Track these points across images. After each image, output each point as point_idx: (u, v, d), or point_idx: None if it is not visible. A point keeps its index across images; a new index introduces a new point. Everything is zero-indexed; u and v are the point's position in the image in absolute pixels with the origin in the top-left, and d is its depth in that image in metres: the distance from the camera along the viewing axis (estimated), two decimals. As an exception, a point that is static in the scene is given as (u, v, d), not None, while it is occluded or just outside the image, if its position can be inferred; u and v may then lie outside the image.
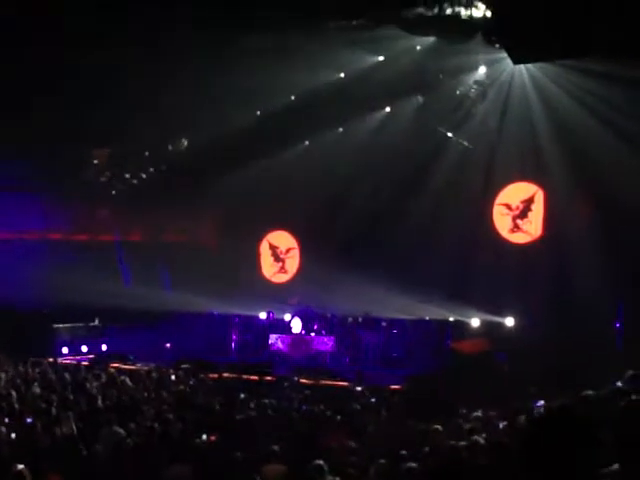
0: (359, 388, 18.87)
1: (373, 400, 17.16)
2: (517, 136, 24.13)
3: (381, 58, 24.73)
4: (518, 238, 25.67)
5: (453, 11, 20.72)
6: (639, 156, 21.03)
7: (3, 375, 19.87)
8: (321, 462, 7.61)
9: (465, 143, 25.81)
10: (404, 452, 9.58)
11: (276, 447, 11.04)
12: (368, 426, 13.46)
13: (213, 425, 13.26)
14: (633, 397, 5.37)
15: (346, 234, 26.97)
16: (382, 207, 26.31)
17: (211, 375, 21.74)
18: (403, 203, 25.82)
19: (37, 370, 21.28)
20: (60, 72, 22.98)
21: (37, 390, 16.99)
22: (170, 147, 30.15)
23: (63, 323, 29.61)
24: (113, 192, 30.68)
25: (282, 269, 31.53)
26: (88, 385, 18.22)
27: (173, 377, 20.53)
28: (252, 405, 15.62)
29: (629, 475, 3.66)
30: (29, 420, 13.58)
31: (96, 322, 30.39)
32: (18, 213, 29.42)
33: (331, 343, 26.78)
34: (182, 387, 18.59)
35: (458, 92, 24.98)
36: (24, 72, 22.82)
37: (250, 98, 25.85)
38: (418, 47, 23.63)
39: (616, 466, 3.69)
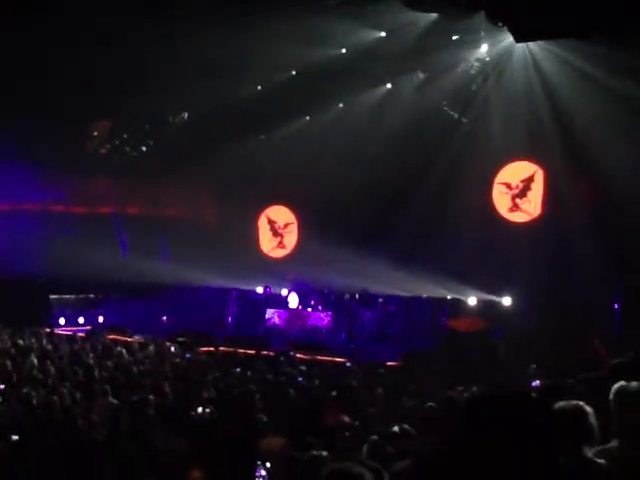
0: (348, 364, 18.92)
1: (368, 377, 17.19)
2: (518, 115, 24.08)
3: (383, 34, 24.63)
4: (517, 217, 25.67)
5: (456, -12, 20.67)
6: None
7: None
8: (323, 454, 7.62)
9: (465, 120, 25.76)
10: (396, 429, 9.58)
11: (272, 421, 11.08)
12: (363, 402, 13.49)
13: (209, 398, 13.29)
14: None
15: (345, 210, 26.96)
16: (381, 183, 26.27)
17: (207, 348, 21.80)
18: (403, 179, 25.79)
19: (34, 340, 21.32)
20: (61, 42, 22.90)
21: (34, 360, 17.01)
22: (170, 120, 30.08)
23: (60, 294, 29.65)
24: (113, 164, 30.59)
25: (280, 244, 31.54)
26: (84, 356, 18.26)
27: (169, 350, 20.56)
28: (248, 379, 15.66)
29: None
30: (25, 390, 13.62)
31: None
32: (17, 184, 29.37)
33: (327, 319, 26.82)
34: (178, 360, 18.62)
35: (459, 69, 24.90)
36: (24, 42, 22.77)
37: (251, 72, 25.79)
38: (420, 23, 23.54)
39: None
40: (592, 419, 5.02)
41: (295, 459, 7.94)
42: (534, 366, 16.36)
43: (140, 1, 21.42)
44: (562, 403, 5.10)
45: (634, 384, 5.13)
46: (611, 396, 5.23)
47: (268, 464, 7.81)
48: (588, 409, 5.08)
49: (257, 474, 7.78)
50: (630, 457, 4.01)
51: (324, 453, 7.42)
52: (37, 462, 9.60)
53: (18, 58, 23.32)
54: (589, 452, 4.71)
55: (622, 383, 5.27)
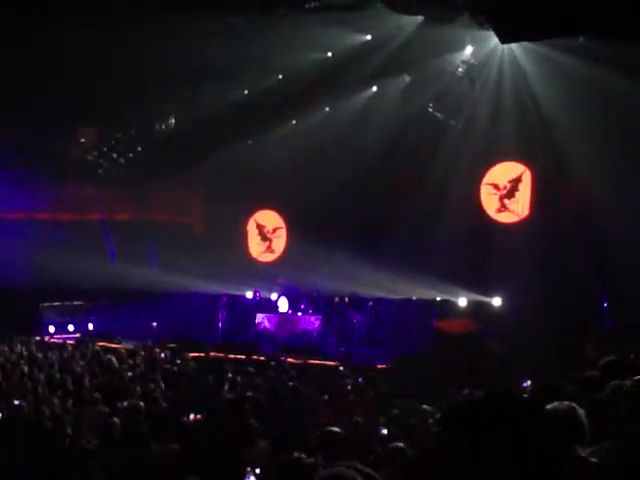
0: (342, 368, 18.93)
1: (359, 380, 17.19)
2: (505, 115, 24.10)
3: (368, 37, 24.67)
4: (505, 218, 25.70)
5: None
6: (627, 140, 21.11)
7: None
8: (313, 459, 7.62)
9: (452, 122, 25.77)
10: (385, 432, 9.60)
11: (263, 426, 11.06)
12: (354, 406, 13.50)
13: (200, 404, 13.28)
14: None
15: (333, 214, 26.96)
16: (368, 187, 26.27)
17: (197, 354, 21.78)
18: (390, 182, 25.81)
19: (23, 349, 21.27)
20: (47, 49, 22.88)
21: (24, 369, 16.97)
22: (157, 126, 30.05)
23: (50, 302, 29.59)
24: (100, 171, 30.52)
25: (269, 248, 31.51)
26: (74, 364, 18.22)
27: (160, 356, 20.54)
28: (239, 384, 15.65)
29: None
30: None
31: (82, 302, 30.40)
32: (3, 192, 29.29)
33: (318, 322, 26.80)
34: (169, 366, 18.59)
35: (445, 72, 24.91)
36: (10, 48, 22.75)
37: (238, 77, 25.79)
38: (405, 26, 23.56)
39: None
40: (584, 419, 5.02)
41: (285, 465, 7.94)
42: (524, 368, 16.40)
43: (129, 6, 21.37)
44: (554, 404, 5.11)
45: (628, 383, 5.13)
46: (604, 395, 5.23)
47: (257, 470, 7.80)
48: (580, 409, 5.08)
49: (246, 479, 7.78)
50: (624, 457, 3.99)
51: (313, 459, 7.41)
52: (27, 472, 9.56)
53: (3, 63, 23.29)
54: (582, 452, 4.70)
55: (616, 382, 5.26)
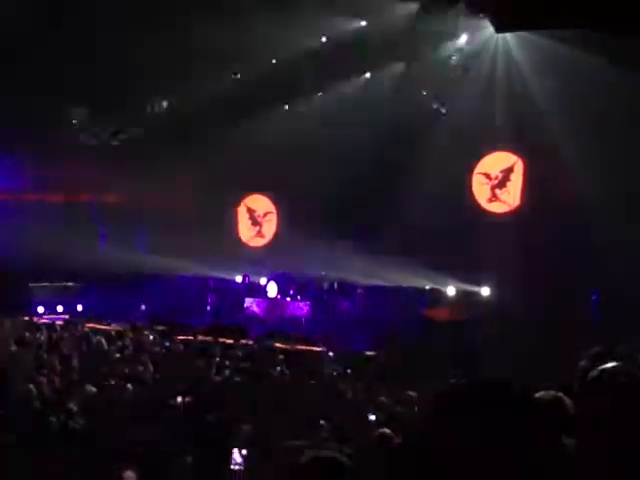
0: (331, 353, 18.95)
1: (346, 367, 17.23)
2: (498, 105, 24.12)
3: (363, 23, 24.65)
4: (496, 207, 25.74)
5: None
6: (621, 130, 21.16)
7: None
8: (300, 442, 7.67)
9: (445, 110, 25.75)
10: (373, 417, 9.63)
11: (250, 409, 11.10)
12: (341, 392, 13.53)
13: (187, 387, 13.29)
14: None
15: (324, 199, 26.89)
16: (361, 173, 26.20)
17: (186, 337, 21.78)
18: (383, 169, 25.75)
19: (12, 329, 21.25)
20: (41, 28, 22.84)
21: (12, 348, 16.96)
22: (149, 109, 29.98)
23: (39, 282, 29.56)
24: (91, 152, 30.41)
25: (259, 233, 31.47)
26: (63, 345, 18.22)
27: (148, 338, 20.54)
28: (226, 368, 15.67)
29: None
30: None
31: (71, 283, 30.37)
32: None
33: (306, 308, 26.83)
34: (157, 349, 18.60)
35: (439, 60, 24.91)
36: (4, 25, 22.70)
37: (231, 61, 25.75)
38: (400, 13, 23.55)
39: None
40: (571, 408, 5.04)
41: (272, 448, 7.97)
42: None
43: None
44: (541, 392, 5.12)
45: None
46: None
47: (244, 451, 7.83)
48: (566, 399, 5.09)
49: (233, 461, 7.80)
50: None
51: (300, 442, 7.44)
52: (16, 452, 9.58)
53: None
54: (568, 442, 4.71)
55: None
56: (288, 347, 20.79)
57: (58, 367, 15.09)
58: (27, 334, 19.74)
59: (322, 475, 3.92)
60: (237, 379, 14.09)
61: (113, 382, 13.35)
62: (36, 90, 25.29)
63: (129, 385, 12.87)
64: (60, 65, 24.41)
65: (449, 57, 24.63)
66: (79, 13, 22.04)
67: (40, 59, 24.10)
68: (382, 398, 12.17)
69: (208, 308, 28.90)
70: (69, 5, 21.68)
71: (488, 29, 21.89)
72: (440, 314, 24.13)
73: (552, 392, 5.17)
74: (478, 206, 25.83)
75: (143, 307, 28.81)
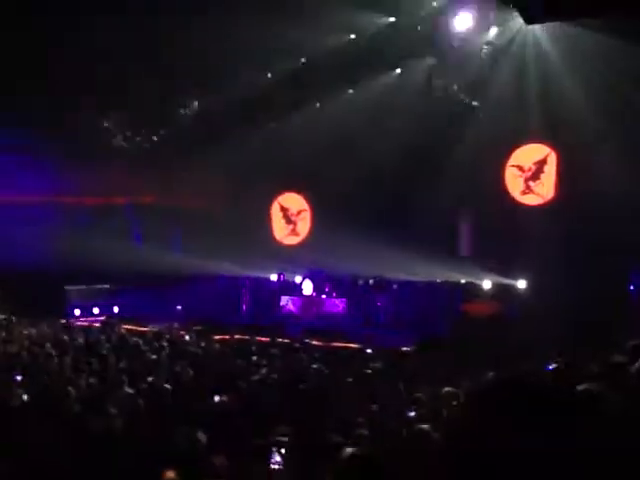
0: (369, 350, 18.90)
1: (383, 363, 17.17)
2: (529, 97, 23.99)
3: (392, 19, 24.60)
4: (530, 200, 25.60)
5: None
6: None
7: (17, 334, 20.07)
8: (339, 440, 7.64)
9: (477, 104, 25.66)
10: (413, 414, 9.59)
11: (288, 408, 11.09)
12: (378, 389, 13.49)
13: (225, 387, 13.31)
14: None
15: (357, 196, 26.89)
16: (394, 169, 26.15)
17: (222, 336, 21.83)
18: (415, 164, 25.69)
19: (49, 331, 21.41)
20: (77, 34, 22.99)
21: (51, 351, 17.05)
22: (182, 110, 30.10)
23: (75, 285, 29.74)
24: (126, 155, 30.59)
25: (293, 231, 31.51)
26: (100, 347, 18.31)
27: (185, 338, 20.61)
28: (264, 366, 15.68)
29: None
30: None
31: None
32: (30, 176, 29.46)
33: (342, 305, 26.85)
34: (194, 349, 18.64)
35: (470, 53, 24.81)
36: (39, 34, 22.88)
37: (261, 60, 25.80)
38: (430, 6, 23.50)
39: None
40: (614, 401, 4.96)
41: (310, 446, 7.95)
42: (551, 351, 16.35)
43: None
44: (582, 386, 5.06)
45: None
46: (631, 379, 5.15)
47: (283, 450, 7.82)
48: (609, 392, 5.02)
49: (272, 460, 7.79)
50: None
51: (340, 439, 7.42)
52: (54, 453, 9.62)
53: (33, 45, 23.40)
54: (610, 436, 4.64)
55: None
56: (325, 345, 20.80)
57: (96, 369, 15.16)
58: (64, 337, 19.89)
59: (361, 472, 3.91)
60: (274, 377, 14.08)
61: (151, 383, 13.38)
62: (70, 93, 25.47)
63: (167, 386, 12.90)
64: (94, 68, 24.56)
65: (480, 50, 24.49)
66: (109, 15, 22.12)
67: (73, 63, 24.26)
68: (420, 394, 12.13)
69: (244, 307, 28.99)
70: (101, 6, 21.76)
71: (518, 21, 21.76)
72: (476, 308, 24.04)
73: (594, 385, 5.11)
74: (512, 199, 25.69)
75: (179, 307, 28.92)
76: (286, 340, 21.30)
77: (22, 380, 13.99)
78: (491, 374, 12.77)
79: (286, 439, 8.24)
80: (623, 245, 21.13)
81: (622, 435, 4.15)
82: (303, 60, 26.34)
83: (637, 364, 5.31)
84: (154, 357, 16.94)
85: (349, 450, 4.18)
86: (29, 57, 23.84)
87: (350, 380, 14.29)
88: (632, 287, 22.56)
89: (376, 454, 3.94)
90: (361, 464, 3.96)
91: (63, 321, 24.23)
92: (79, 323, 25.29)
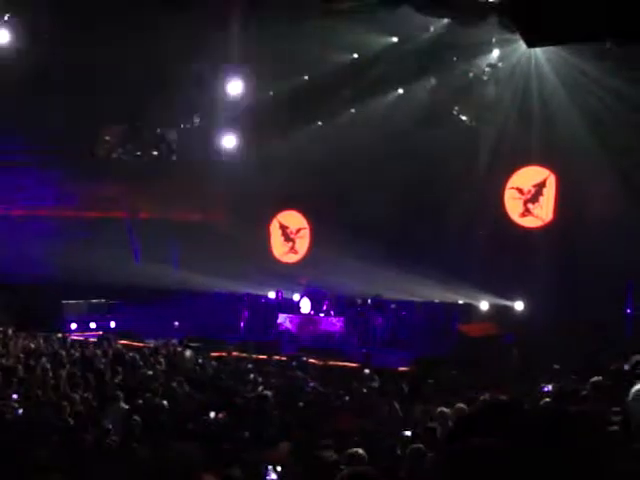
0: (367, 370, 18.88)
1: (380, 382, 17.17)
2: (530, 120, 24.05)
3: (394, 39, 24.68)
4: (529, 222, 25.62)
5: (468, -8, 20.65)
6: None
7: (12, 348, 20.04)
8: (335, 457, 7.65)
9: (477, 125, 25.72)
10: (409, 433, 9.60)
11: (284, 426, 11.08)
12: (375, 408, 13.49)
13: (221, 403, 13.30)
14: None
15: (356, 215, 26.90)
16: (393, 188, 26.17)
17: (219, 353, 21.81)
18: (414, 185, 25.71)
19: (46, 345, 21.37)
20: (75, 48, 23.06)
21: (46, 365, 17.03)
22: (182, 125, 30.15)
23: (72, 299, 29.70)
24: (125, 169, 30.61)
25: (292, 249, 31.50)
26: (96, 361, 18.29)
27: (182, 355, 20.57)
28: (260, 384, 15.67)
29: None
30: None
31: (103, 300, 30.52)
32: (30, 190, 29.50)
33: (340, 324, 26.79)
34: (190, 365, 18.63)
35: (471, 74, 24.88)
36: (40, 47, 22.98)
37: (263, 78, 25.87)
38: (432, 28, 23.57)
39: None
40: (610, 422, 4.96)
41: (306, 462, 7.95)
42: (557, 366, 16.38)
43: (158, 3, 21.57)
44: (576, 408, 5.06)
45: None
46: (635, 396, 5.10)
47: (279, 468, 7.81)
48: (606, 412, 5.02)
49: (267, 477, 7.78)
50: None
51: (335, 456, 7.41)
52: (48, 468, 9.60)
53: (31, 60, 23.47)
54: (609, 455, 4.63)
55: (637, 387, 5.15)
56: (322, 363, 20.78)
57: (92, 384, 15.14)
58: (61, 351, 19.86)
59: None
60: (270, 395, 14.07)
61: (147, 399, 13.37)
62: (70, 107, 25.52)
63: (164, 402, 12.89)
64: (94, 82, 24.62)
65: (482, 72, 24.56)
66: (112, 28, 22.20)
67: (75, 77, 24.32)
68: (416, 414, 12.13)
69: (241, 324, 28.93)
70: (102, 20, 21.85)
71: (520, 44, 21.82)
72: (473, 329, 24.03)
73: (588, 406, 5.12)
74: (511, 221, 25.71)
75: (176, 324, 28.88)
76: (283, 358, 21.31)
77: (17, 394, 13.97)
78: (486, 395, 12.80)
79: (282, 457, 8.24)
80: (620, 268, 21.16)
81: (612, 457, 4.15)
82: (306, 77, 26.39)
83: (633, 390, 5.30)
84: (150, 373, 16.93)
85: (346, 470, 4.18)
86: (29, 68, 23.90)
87: (347, 398, 14.29)
88: (629, 310, 22.57)
89: (372, 472, 3.93)
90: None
91: (59, 335, 24.18)
92: (75, 337, 25.23)
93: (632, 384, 5.48)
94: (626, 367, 8.40)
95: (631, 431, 4.92)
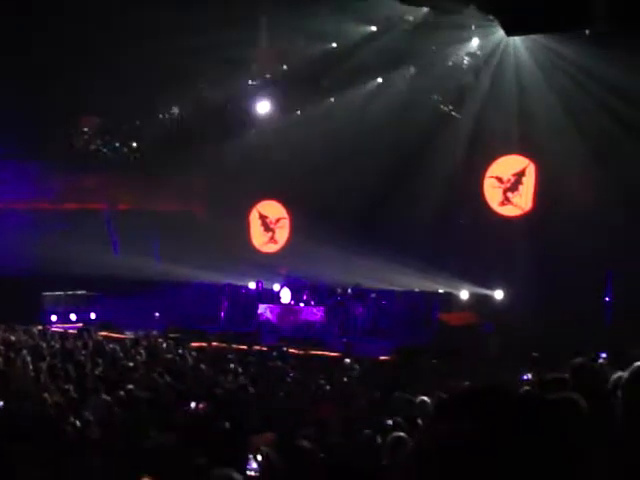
0: (348, 360, 18.90)
1: (361, 371, 17.19)
2: (509, 108, 24.09)
3: (373, 28, 24.67)
4: (508, 211, 25.67)
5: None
6: (632, 133, 21.11)
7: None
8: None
9: (457, 114, 25.76)
10: (390, 422, 9.60)
11: (264, 417, 11.09)
12: (356, 397, 13.51)
13: (201, 394, 13.28)
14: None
15: (336, 205, 26.90)
16: (372, 178, 26.17)
17: (200, 344, 21.78)
18: (393, 174, 25.71)
19: (26, 337, 21.29)
20: (49, 39, 22.94)
21: (27, 358, 16.96)
22: (161, 115, 30.06)
23: (52, 291, 29.60)
24: (103, 161, 30.52)
25: (272, 239, 31.47)
26: (76, 353, 18.24)
27: (162, 346, 20.53)
28: (240, 374, 15.66)
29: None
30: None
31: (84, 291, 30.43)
32: (7, 182, 29.34)
33: (320, 313, 26.78)
34: (171, 356, 18.59)
35: (451, 63, 24.92)
36: (12, 38, 22.83)
37: (242, 68, 25.82)
38: (411, 17, 23.57)
39: None
40: (586, 411, 4.95)
41: (287, 451, 7.96)
42: (536, 355, 16.44)
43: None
44: (555, 395, 5.05)
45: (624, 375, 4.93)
46: (620, 382, 5.06)
47: (260, 457, 7.81)
48: (582, 401, 5.01)
49: (249, 467, 7.78)
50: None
51: (314, 446, 7.42)
52: (29, 460, 9.58)
53: (5, 51, 23.34)
54: (585, 444, 4.60)
55: (617, 375, 5.10)
56: (302, 353, 20.79)
57: (72, 376, 15.10)
58: (41, 343, 19.80)
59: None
60: (251, 385, 14.06)
61: (128, 390, 13.34)
62: (48, 99, 25.40)
63: (144, 393, 12.87)
64: (73, 74, 24.50)
65: (461, 61, 24.61)
66: (90, 22, 22.12)
67: (53, 68, 24.21)
68: (397, 403, 12.15)
69: (222, 315, 28.90)
70: (81, 14, 21.77)
71: (499, 32, 21.86)
72: (453, 318, 24.09)
73: (567, 394, 5.11)
74: (490, 210, 25.75)
75: (157, 314, 28.83)
76: (264, 348, 21.30)
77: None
78: (466, 384, 12.84)
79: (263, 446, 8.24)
80: (600, 257, 21.24)
81: (591, 441, 4.16)
82: (284, 67, 26.35)
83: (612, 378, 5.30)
84: (131, 364, 16.90)
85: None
86: (3, 60, 23.78)
87: (327, 388, 14.30)
88: (607, 299, 22.67)
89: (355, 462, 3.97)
90: (340, 470, 3.99)
91: (39, 327, 24.10)
92: (55, 329, 25.16)
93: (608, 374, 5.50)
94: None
95: (612, 419, 4.93)
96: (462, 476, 2.45)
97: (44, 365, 15.99)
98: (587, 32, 19.71)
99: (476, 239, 24.11)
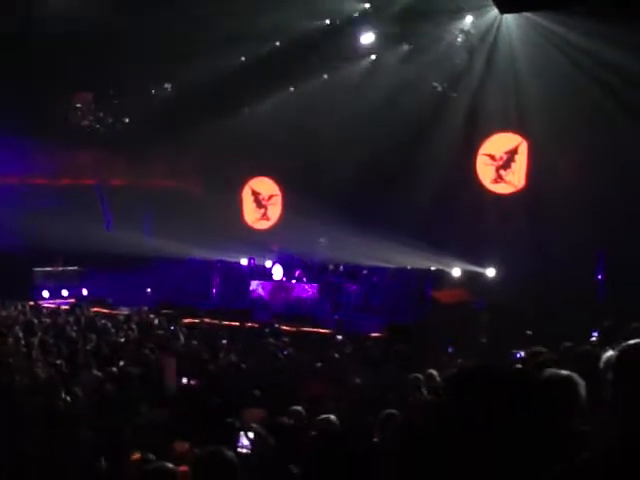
0: (340, 336, 18.91)
1: (353, 348, 17.20)
2: (502, 86, 24.05)
3: (367, 5, 24.57)
4: (501, 189, 25.64)
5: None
6: (627, 110, 21.09)
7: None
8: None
9: (450, 92, 25.69)
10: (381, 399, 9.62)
11: (256, 392, 11.09)
12: (348, 374, 13.51)
13: (193, 370, 13.29)
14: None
15: (329, 182, 26.84)
16: (365, 155, 26.09)
17: (191, 320, 21.78)
18: (387, 152, 25.66)
19: (17, 313, 21.28)
20: (44, 15, 22.82)
21: (19, 333, 16.95)
22: (153, 91, 29.93)
23: (44, 267, 29.57)
24: (96, 136, 30.40)
25: (264, 215, 31.45)
26: (68, 329, 18.22)
27: (154, 322, 20.52)
28: (232, 351, 15.67)
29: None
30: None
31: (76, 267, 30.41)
32: (-1, 158, 29.28)
33: (312, 290, 26.78)
34: (162, 332, 18.59)
35: (444, 41, 24.82)
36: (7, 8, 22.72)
37: (235, 43, 25.67)
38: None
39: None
40: (582, 390, 4.90)
41: (279, 430, 7.96)
42: (530, 332, 16.47)
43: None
44: (550, 372, 5.02)
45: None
46: (611, 362, 5.00)
47: (251, 434, 7.81)
48: (578, 378, 4.96)
49: (240, 444, 7.78)
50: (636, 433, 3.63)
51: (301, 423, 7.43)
52: (21, 436, 9.58)
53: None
54: (580, 425, 4.58)
55: (628, 344, 5.00)
56: (294, 329, 20.80)
57: (64, 351, 15.09)
58: (32, 318, 19.78)
59: (331, 453, 3.91)
60: (243, 362, 14.07)
61: (119, 366, 13.34)
62: (40, 75, 25.27)
63: (135, 369, 12.87)
64: (64, 50, 24.35)
65: (454, 38, 24.54)
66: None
67: (44, 45, 24.05)
68: (389, 380, 12.16)
69: (214, 291, 28.91)
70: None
71: (493, 10, 21.82)
72: (445, 295, 24.10)
73: (563, 372, 5.08)
74: (483, 187, 25.73)
75: (149, 290, 28.83)
76: (255, 325, 21.30)
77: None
78: (460, 362, 12.86)
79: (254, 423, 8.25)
80: (592, 235, 21.23)
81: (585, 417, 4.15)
82: (277, 44, 26.22)
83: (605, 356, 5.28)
84: (122, 340, 16.90)
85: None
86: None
87: (319, 365, 14.31)
88: (599, 277, 22.69)
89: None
90: (331, 445, 3.97)
91: (31, 303, 24.09)
92: (47, 305, 25.16)
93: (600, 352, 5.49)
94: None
95: (602, 398, 4.90)
96: (459, 457, 2.44)
97: (35, 341, 15.99)
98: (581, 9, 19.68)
99: (469, 216, 24.10)
